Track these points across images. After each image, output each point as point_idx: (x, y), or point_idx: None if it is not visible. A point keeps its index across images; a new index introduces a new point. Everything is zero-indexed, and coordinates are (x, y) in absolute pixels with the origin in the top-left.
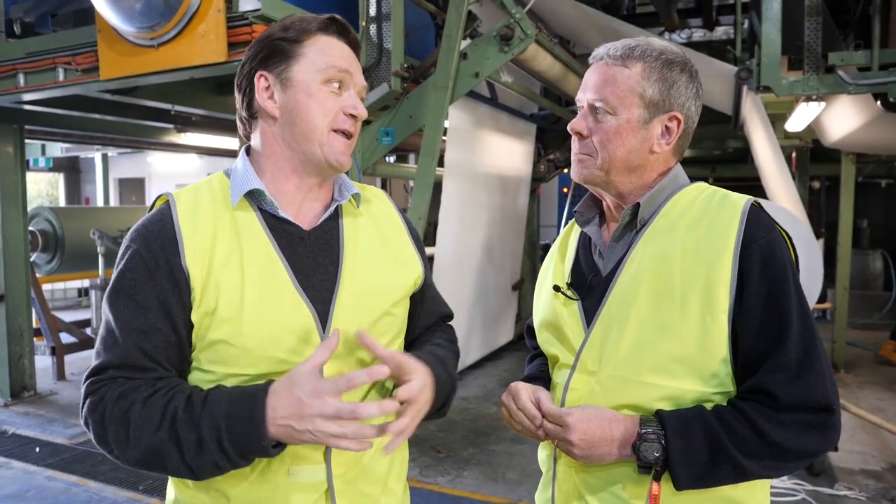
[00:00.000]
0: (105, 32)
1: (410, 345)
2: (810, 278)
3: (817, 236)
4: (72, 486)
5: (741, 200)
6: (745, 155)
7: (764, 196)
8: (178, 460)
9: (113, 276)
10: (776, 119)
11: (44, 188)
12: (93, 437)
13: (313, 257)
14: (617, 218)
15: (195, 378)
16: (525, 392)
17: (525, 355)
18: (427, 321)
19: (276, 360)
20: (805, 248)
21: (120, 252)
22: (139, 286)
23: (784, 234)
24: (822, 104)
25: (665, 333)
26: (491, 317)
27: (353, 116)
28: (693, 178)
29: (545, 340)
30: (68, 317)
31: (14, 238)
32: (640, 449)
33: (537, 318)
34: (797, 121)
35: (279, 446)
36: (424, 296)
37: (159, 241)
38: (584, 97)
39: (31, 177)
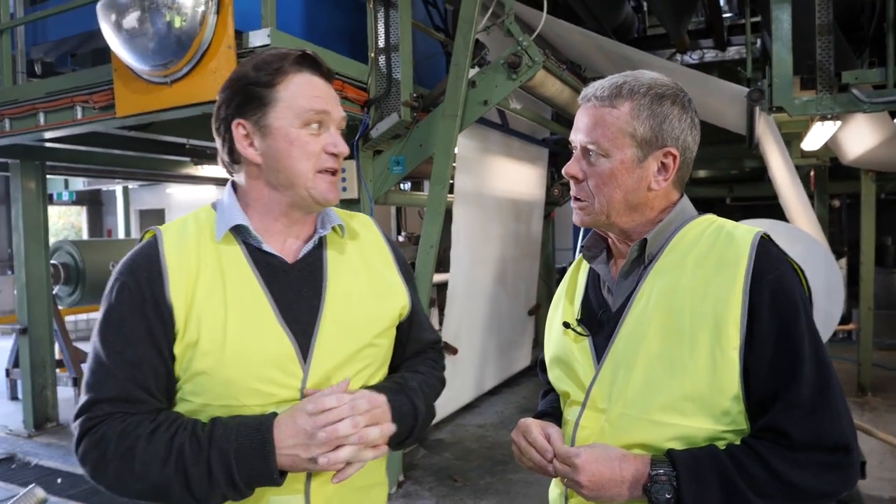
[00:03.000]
0: (120, 71)
1: (395, 371)
2: (831, 300)
3: (839, 256)
4: None
5: (749, 234)
6: (762, 174)
7: (782, 215)
8: (183, 494)
9: (102, 311)
10: (792, 138)
11: (68, 221)
12: (89, 472)
13: (296, 289)
14: (624, 253)
15: (180, 408)
16: (536, 428)
17: None
18: (415, 348)
19: (257, 391)
20: (824, 269)
21: (108, 286)
22: (127, 319)
23: (795, 266)
24: (838, 123)
25: (675, 371)
26: (506, 343)
27: (334, 155)
28: (710, 199)
29: (556, 377)
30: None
31: (36, 272)
32: (651, 490)
33: (548, 354)
34: (813, 140)
35: (282, 476)
36: (412, 323)
37: (145, 274)
38: (576, 139)
39: (55, 210)
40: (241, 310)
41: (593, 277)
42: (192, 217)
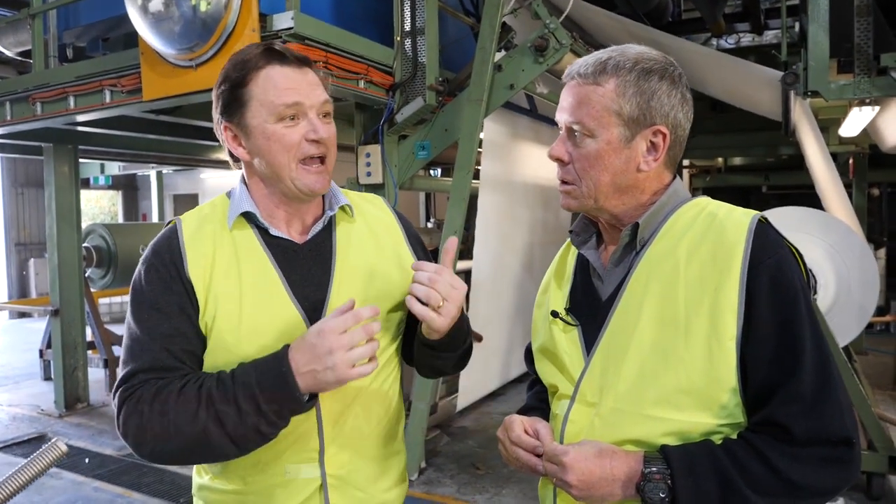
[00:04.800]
0: (147, 55)
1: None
2: (865, 291)
3: (878, 245)
4: (117, 497)
5: (746, 217)
6: (800, 161)
7: (820, 204)
8: (221, 436)
9: (133, 293)
10: (830, 124)
11: (104, 205)
12: (131, 442)
13: (307, 268)
14: (614, 239)
15: None
16: (519, 424)
17: None
18: None
19: None
20: (859, 259)
21: (137, 271)
22: (159, 296)
23: (794, 250)
24: (876, 108)
25: (669, 362)
26: None
27: (315, 141)
28: (746, 187)
29: (543, 369)
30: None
31: (68, 254)
32: (644, 489)
33: (535, 343)
34: (851, 126)
35: (311, 399)
36: None
37: (168, 255)
38: (560, 119)
39: (92, 194)
40: (254, 288)
41: (582, 264)
42: (208, 205)
